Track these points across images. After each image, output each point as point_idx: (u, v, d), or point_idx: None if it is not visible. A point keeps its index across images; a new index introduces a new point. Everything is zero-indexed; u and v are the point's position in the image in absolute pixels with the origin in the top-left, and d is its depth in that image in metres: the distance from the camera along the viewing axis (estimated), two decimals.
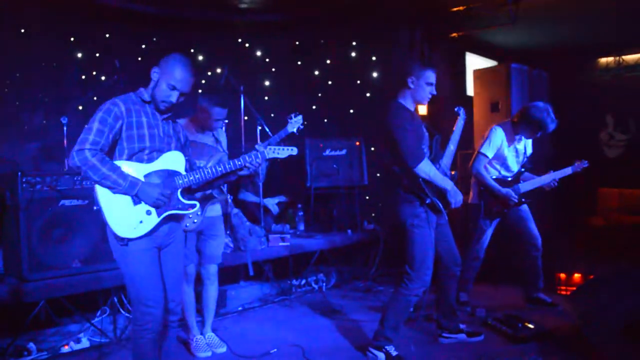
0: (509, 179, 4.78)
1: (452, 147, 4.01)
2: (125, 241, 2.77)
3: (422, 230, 3.70)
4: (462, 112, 4.12)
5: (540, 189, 4.87)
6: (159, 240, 2.89)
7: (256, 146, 3.18)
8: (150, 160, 2.85)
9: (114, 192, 2.74)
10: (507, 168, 4.81)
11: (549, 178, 4.80)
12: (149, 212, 2.81)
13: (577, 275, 5.42)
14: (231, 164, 3.00)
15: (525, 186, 4.76)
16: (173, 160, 2.92)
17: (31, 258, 3.88)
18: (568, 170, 4.84)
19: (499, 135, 4.71)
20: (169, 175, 2.89)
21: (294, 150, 3.17)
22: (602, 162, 8.04)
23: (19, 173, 3.89)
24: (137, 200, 2.78)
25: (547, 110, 4.62)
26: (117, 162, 2.78)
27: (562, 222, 6.78)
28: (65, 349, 4.02)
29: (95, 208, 2.82)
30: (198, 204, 2.97)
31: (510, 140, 4.75)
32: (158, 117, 2.92)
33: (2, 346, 3.78)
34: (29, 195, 3.89)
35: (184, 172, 2.93)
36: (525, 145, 4.88)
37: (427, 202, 3.68)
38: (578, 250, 6.35)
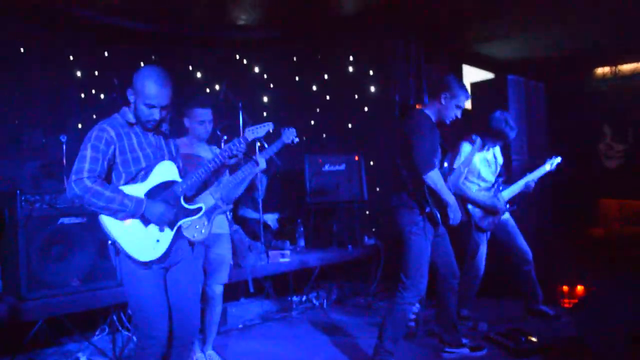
0: (487, 189, 4.82)
1: (462, 168, 4.14)
2: (150, 264, 2.74)
3: (419, 238, 3.72)
4: (478, 140, 4.32)
5: (523, 194, 4.90)
6: (169, 259, 2.84)
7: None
8: (145, 178, 2.81)
9: (121, 218, 2.69)
10: (483, 179, 4.85)
11: (526, 181, 4.84)
12: (162, 229, 2.78)
13: (579, 288, 5.39)
14: (219, 156, 3.00)
15: (507, 193, 4.81)
16: (166, 171, 2.86)
17: (30, 276, 3.85)
18: (545, 168, 4.88)
19: (466, 148, 4.76)
20: (168, 186, 2.84)
21: (269, 125, 3.22)
22: (602, 173, 8.04)
23: (18, 191, 3.88)
24: (145, 221, 2.74)
25: (505, 119, 4.70)
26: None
27: (563, 233, 6.76)
28: None
29: (109, 242, 2.75)
30: (204, 206, 2.96)
31: (478, 151, 4.80)
32: (148, 134, 2.88)
33: None
34: (27, 213, 3.87)
35: (179, 180, 2.89)
36: (495, 154, 4.95)
37: (426, 210, 3.70)
38: (580, 262, 6.32)
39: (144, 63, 6.41)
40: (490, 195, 4.76)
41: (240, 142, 3.06)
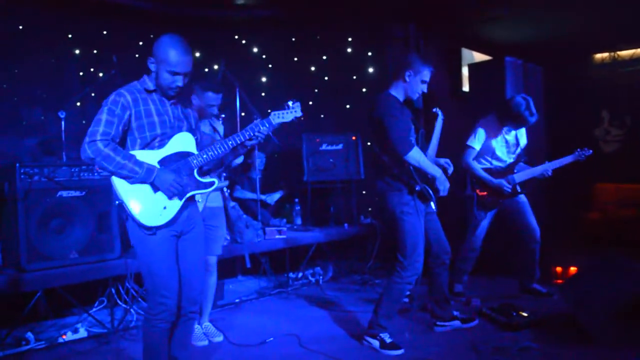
0: (501, 169, 4.83)
1: (434, 141, 4.25)
2: (153, 230, 2.76)
3: (412, 217, 3.75)
4: (440, 112, 4.37)
5: (535, 179, 4.91)
6: (180, 227, 2.87)
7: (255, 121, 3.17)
8: (161, 146, 2.83)
9: (131, 182, 2.72)
10: (498, 159, 4.88)
11: (544, 168, 4.84)
12: (170, 197, 2.80)
13: (573, 269, 5.45)
14: (240, 135, 2.95)
15: (520, 176, 4.81)
16: (183, 142, 2.88)
17: (29, 248, 3.93)
18: (568, 159, 4.84)
19: (481, 130, 4.80)
20: (183, 156, 2.86)
21: (297, 112, 3.07)
22: (599, 158, 8.06)
23: (17, 164, 3.92)
24: (155, 187, 2.77)
25: (525, 104, 4.69)
26: (130, 152, 2.77)
27: (559, 216, 6.82)
28: (63, 338, 4.05)
29: (116, 202, 2.79)
30: (217, 181, 2.97)
31: (496, 132, 4.83)
32: (166, 102, 2.89)
33: (0, 336, 3.81)
34: (26, 186, 3.93)
35: (196, 152, 2.90)
36: (517, 136, 4.94)
37: (417, 189, 3.74)
38: (575, 244, 6.39)
39: (142, 42, 6.43)
40: (501, 173, 4.80)
41: (264, 124, 2.97)
